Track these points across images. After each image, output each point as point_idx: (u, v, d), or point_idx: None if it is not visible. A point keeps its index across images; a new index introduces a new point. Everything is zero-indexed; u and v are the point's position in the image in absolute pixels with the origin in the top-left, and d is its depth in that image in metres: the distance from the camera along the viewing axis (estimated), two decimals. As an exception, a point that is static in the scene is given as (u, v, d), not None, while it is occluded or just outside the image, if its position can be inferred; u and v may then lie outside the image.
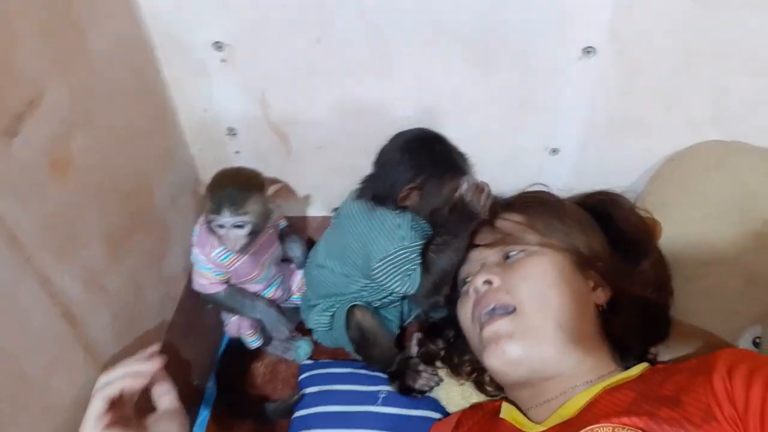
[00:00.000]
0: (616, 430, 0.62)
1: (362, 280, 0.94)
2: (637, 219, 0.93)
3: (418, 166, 0.88)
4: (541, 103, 0.93)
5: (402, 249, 0.88)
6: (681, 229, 0.91)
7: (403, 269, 0.88)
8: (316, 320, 1.02)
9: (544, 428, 0.73)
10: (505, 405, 0.83)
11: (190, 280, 1.03)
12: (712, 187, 0.90)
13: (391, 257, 0.88)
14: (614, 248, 0.88)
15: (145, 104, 0.91)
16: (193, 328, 1.06)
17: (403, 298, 0.97)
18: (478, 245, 0.88)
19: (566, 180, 1.01)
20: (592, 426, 0.64)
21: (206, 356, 1.13)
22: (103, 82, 0.80)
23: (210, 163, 1.08)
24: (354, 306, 0.96)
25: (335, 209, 0.99)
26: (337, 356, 1.09)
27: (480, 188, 0.86)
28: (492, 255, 0.85)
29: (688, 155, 0.95)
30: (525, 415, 0.78)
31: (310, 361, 1.09)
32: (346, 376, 1.03)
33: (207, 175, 1.08)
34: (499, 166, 0.99)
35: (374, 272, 0.89)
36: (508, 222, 0.88)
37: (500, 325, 0.76)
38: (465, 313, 0.84)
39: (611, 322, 0.82)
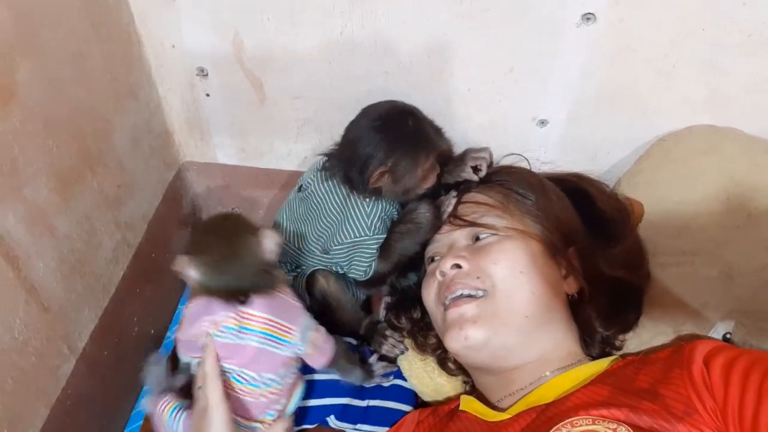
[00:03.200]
0: (596, 422, 0.61)
1: (320, 255, 0.91)
2: (615, 201, 0.90)
3: (389, 147, 0.80)
4: (532, 69, 0.87)
5: (365, 238, 0.86)
6: (664, 213, 0.87)
7: (360, 256, 0.87)
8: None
9: (509, 416, 0.71)
10: (464, 398, 0.81)
11: (149, 229, 0.99)
12: (700, 173, 0.86)
13: (353, 243, 0.86)
14: (590, 228, 0.85)
15: (105, 34, 0.84)
16: (152, 277, 1.02)
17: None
18: (446, 224, 0.84)
19: (552, 153, 0.96)
20: (571, 418, 0.63)
21: (165, 306, 1.09)
22: (54, 6, 0.73)
23: (178, 105, 1.02)
24: (316, 271, 0.93)
25: (300, 187, 0.93)
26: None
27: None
28: (461, 236, 0.81)
29: (680, 138, 0.90)
30: (492, 406, 0.76)
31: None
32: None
33: (175, 118, 1.02)
34: (481, 132, 0.94)
35: (333, 251, 0.88)
36: (481, 201, 0.84)
37: (466, 309, 0.74)
38: (429, 293, 0.81)
39: (581, 310, 0.79)
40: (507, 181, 0.86)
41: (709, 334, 0.81)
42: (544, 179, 0.89)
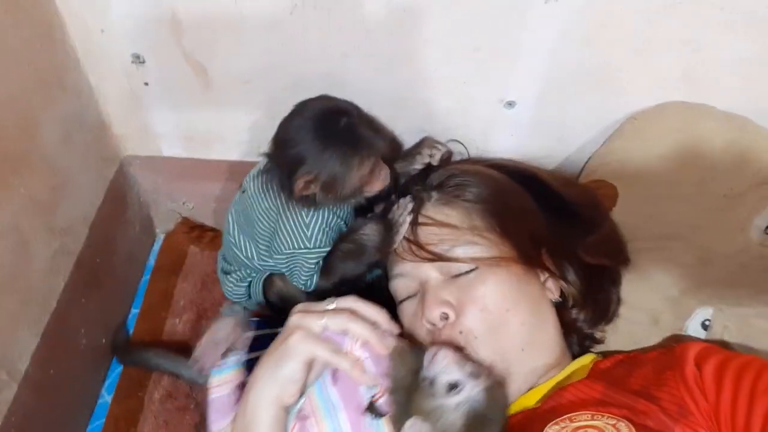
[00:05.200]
0: (595, 417, 0.60)
1: (270, 261, 0.85)
2: (581, 189, 0.86)
3: (316, 151, 0.72)
4: (499, 48, 0.81)
5: (303, 251, 0.79)
6: (637, 195, 0.84)
7: (300, 269, 0.80)
8: (232, 291, 0.92)
9: None
10: None
11: (91, 232, 0.90)
12: (673, 153, 0.83)
13: (291, 256, 0.80)
14: (561, 221, 0.81)
15: (22, 18, 0.74)
16: (98, 283, 0.94)
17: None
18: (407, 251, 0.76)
19: (519, 136, 0.91)
20: (570, 414, 0.61)
21: (116, 312, 1.01)
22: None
23: (114, 95, 0.92)
24: (272, 274, 0.87)
25: (242, 189, 0.86)
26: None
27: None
28: (432, 270, 0.74)
29: (652, 115, 0.86)
30: None
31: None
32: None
33: (112, 110, 0.93)
34: (446, 116, 0.89)
35: (274, 259, 0.82)
36: (443, 222, 0.75)
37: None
38: (417, 333, 0.74)
39: (565, 313, 0.76)
40: (464, 191, 0.78)
41: (687, 322, 0.79)
42: (498, 176, 0.82)
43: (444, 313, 0.69)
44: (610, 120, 0.89)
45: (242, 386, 0.73)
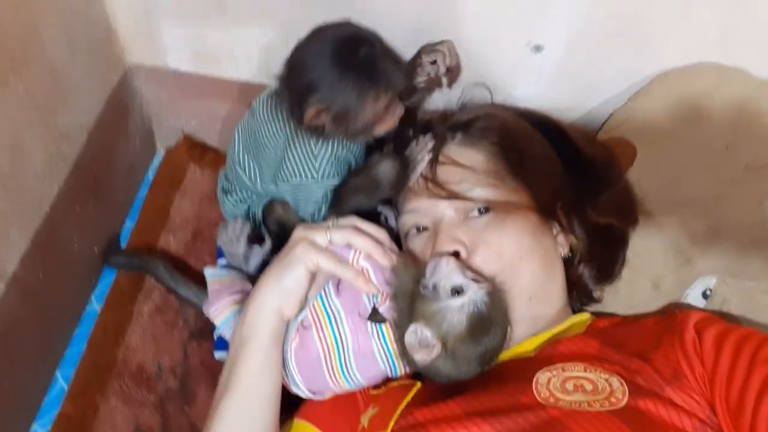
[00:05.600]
0: (588, 369, 0.60)
1: (273, 187, 0.82)
2: (600, 146, 0.83)
3: (332, 81, 0.68)
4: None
5: (311, 182, 0.76)
6: (657, 157, 0.81)
7: (306, 200, 0.78)
8: (231, 211, 0.90)
9: (497, 362, 0.68)
10: None
11: (90, 140, 0.87)
12: (701, 118, 0.80)
13: (297, 186, 0.77)
14: (574, 175, 0.79)
15: None
16: (94, 193, 0.92)
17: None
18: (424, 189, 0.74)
19: (543, 83, 0.87)
20: (563, 363, 0.61)
21: (110, 223, 1.00)
22: None
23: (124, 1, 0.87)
24: (272, 200, 0.85)
25: (252, 111, 0.82)
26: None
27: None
28: (448, 208, 0.72)
29: (683, 75, 0.82)
30: None
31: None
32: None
33: (119, 12, 0.89)
34: (468, 56, 0.84)
35: (279, 187, 0.80)
36: (464, 164, 0.73)
37: None
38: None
39: (572, 268, 0.76)
40: (490, 133, 0.76)
41: (689, 290, 0.78)
42: (523, 124, 0.80)
43: (456, 251, 0.68)
44: (639, 76, 0.85)
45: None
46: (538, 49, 0.83)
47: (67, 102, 0.82)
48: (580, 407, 0.55)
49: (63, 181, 0.84)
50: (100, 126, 0.91)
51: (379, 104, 0.70)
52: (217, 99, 1.01)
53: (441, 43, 0.79)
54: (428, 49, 0.79)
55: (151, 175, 1.08)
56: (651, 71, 0.84)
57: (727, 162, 0.78)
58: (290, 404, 0.72)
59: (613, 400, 0.56)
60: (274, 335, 0.64)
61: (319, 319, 0.66)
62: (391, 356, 0.65)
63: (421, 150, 0.76)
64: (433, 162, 0.75)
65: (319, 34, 0.71)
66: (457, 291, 0.62)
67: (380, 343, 0.65)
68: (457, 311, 0.61)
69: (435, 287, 0.63)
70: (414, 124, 0.82)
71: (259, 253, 0.82)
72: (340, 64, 0.68)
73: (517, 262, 0.69)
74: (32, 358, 0.83)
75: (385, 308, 0.64)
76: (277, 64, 0.86)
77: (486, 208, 0.71)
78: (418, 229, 0.75)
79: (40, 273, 0.81)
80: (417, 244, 0.74)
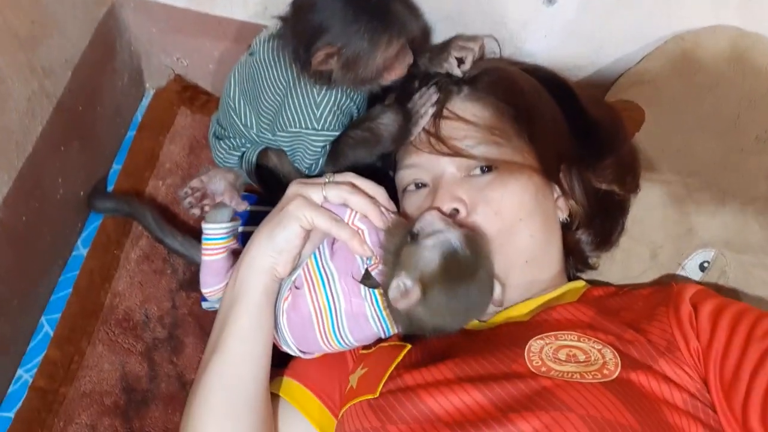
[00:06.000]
0: (581, 339, 0.59)
1: (269, 135, 0.79)
2: (607, 109, 0.80)
3: (343, 22, 0.65)
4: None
5: (310, 132, 0.73)
6: (665, 123, 0.78)
7: (304, 150, 0.75)
8: (223, 158, 0.86)
9: (489, 326, 0.68)
10: None
11: (74, 77, 0.83)
12: (715, 84, 0.77)
13: (295, 135, 0.74)
14: (578, 137, 0.76)
15: None
16: (79, 133, 0.88)
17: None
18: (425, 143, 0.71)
19: (553, 39, 0.83)
20: (556, 332, 0.60)
21: (97, 165, 0.96)
22: None
23: None
24: (267, 148, 0.81)
25: (250, 51, 0.78)
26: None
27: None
28: (450, 164, 0.69)
29: (701, 38, 0.79)
30: None
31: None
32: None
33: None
34: (477, 5, 0.80)
35: (277, 135, 0.76)
36: (468, 119, 0.70)
37: None
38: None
39: (570, 234, 0.74)
40: (497, 89, 0.73)
41: (686, 261, 0.77)
42: (532, 81, 0.76)
43: (455, 208, 0.66)
44: (654, 36, 0.81)
45: (236, 254, 0.73)
46: (550, 2, 0.79)
47: (49, 35, 0.78)
48: (572, 378, 0.55)
49: (46, 120, 0.80)
50: (85, 62, 0.86)
51: (390, 50, 0.68)
52: (211, 38, 0.96)
53: (474, 39, 0.75)
54: (460, 44, 0.75)
55: (139, 116, 1.04)
56: (666, 32, 0.80)
57: (737, 131, 0.75)
58: (279, 358, 0.72)
59: (605, 371, 0.55)
60: (266, 293, 0.63)
61: (312, 280, 0.65)
62: (384, 319, 0.64)
63: (425, 103, 0.73)
64: (437, 116, 0.72)
65: None
66: (433, 234, 0.61)
67: (373, 307, 0.63)
68: (429, 248, 0.59)
69: (416, 235, 0.62)
70: (418, 75, 0.78)
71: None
72: (352, 4, 0.65)
73: (516, 223, 0.67)
74: (17, 302, 0.81)
75: (377, 272, 0.63)
76: (274, 4, 0.82)
77: (488, 167, 0.69)
78: (417, 185, 0.73)
79: (23, 216, 0.79)
80: (415, 200, 0.72)
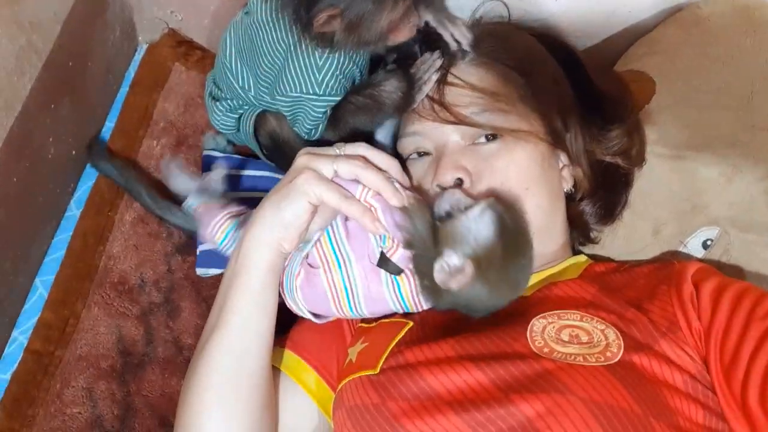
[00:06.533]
0: (584, 318, 0.59)
1: (268, 98, 0.76)
2: (614, 79, 0.78)
3: None
4: None
5: (311, 96, 0.71)
6: (676, 96, 0.76)
7: (304, 115, 0.72)
8: (220, 120, 0.84)
9: None
10: None
11: (64, 31, 0.79)
12: (730, 57, 0.74)
13: (296, 100, 0.71)
14: (583, 107, 0.75)
15: None
16: (70, 90, 0.85)
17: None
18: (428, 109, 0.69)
19: (563, 2, 0.80)
20: (558, 311, 0.60)
21: (89, 123, 0.93)
22: None
23: None
24: (266, 111, 0.79)
25: (246, 9, 0.74)
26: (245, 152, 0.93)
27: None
28: (454, 132, 0.68)
29: (718, 7, 0.76)
30: None
31: (216, 153, 0.93)
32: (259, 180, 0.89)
33: None
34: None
35: (276, 99, 0.74)
36: (475, 84, 0.68)
37: None
38: (415, 189, 0.69)
39: (574, 205, 0.73)
40: (503, 54, 0.70)
41: (689, 239, 0.76)
42: (538, 47, 0.74)
43: (459, 178, 0.65)
44: (669, 3, 0.78)
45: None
46: (564, -35, 0.75)
47: (35, -13, 0.73)
48: (575, 361, 0.55)
49: (35, 77, 0.76)
50: (74, 15, 0.82)
51: (396, 11, 0.65)
52: (204, -8, 0.92)
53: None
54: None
55: (132, 72, 1.00)
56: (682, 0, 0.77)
57: (751, 107, 0.73)
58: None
59: (608, 354, 0.55)
60: (271, 270, 0.61)
61: (327, 261, 0.63)
62: (404, 301, 0.63)
63: (429, 69, 0.71)
64: (441, 82, 0.70)
65: None
66: (469, 207, 0.60)
67: (394, 292, 0.62)
68: (477, 221, 0.57)
69: (449, 213, 0.60)
70: (421, 39, 0.75)
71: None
72: None
73: (523, 192, 0.66)
74: (9, 264, 0.80)
75: (399, 257, 0.61)
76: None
77: (493, 135, 0.67)
78: (419, 154, 0.71)
79: (14, 177, 0.76)
80: (417, 169, 0.71)
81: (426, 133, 0.70)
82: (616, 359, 0.55)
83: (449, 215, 0.59)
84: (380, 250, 0.61)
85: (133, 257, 0.88)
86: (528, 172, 0.67)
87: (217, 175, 0.80)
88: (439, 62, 0.71)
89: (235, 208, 0.75)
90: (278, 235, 0.60)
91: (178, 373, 0.84)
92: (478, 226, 0.57)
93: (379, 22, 0.64)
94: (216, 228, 0.72)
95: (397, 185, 0.62)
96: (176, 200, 0.83)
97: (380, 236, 0.62)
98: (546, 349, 0.56)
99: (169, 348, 0.85)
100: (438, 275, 0.57)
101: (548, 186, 0.69)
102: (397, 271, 0.61)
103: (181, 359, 0.85)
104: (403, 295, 0.62)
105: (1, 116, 0.72)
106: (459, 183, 0.65)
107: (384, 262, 0.61)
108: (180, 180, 0.80)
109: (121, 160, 0.91)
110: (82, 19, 0.84)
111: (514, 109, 0.68)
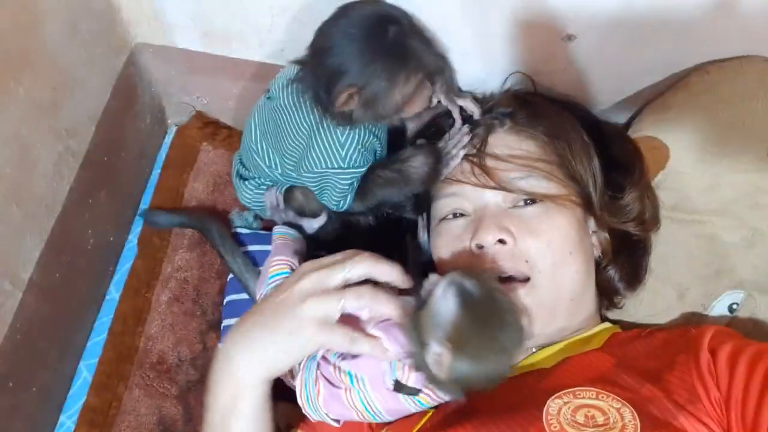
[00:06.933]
0: (600, 396, 0.58)
1: (294, 175, 0.79)
2: (629, 145, 0.79)
3: (361, 62, 0.66)
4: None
5: (337, 170, 0.74)
6: (692, 162, 0.76)
7: (331, 188, 0.75)
8: (249, 198, 0.87)
9: (512, 374, 0.66)
10: None
11: (98, 130, 0.84)
12: (743, 121, 0.74)
13: (323, 175, 0.75)
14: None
15: None
16: (105, 183, 0.90)
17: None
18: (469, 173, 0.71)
19: (573, 72, 0.81)
20: (574, 388, 0.59)
21: (125, 208, 0.98)
22: None
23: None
24: (293, 187, 0.83)
25: (269, 95, 0.78)
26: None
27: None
28: (494, 196, 0.69)
29: (727, 73, 0.75)
30: None
31: (245, 230, 0.96)
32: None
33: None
34: (502, 43, 0.78)
35: (303, 176, 0.77)
36: (515, 154, 0.70)
37: (516, 297, 0.65)
38: (453, 259, 0.70)
39: (602, 271, 0.74)
40: (539, 122, 0.72)
41: (715, 302, 0.75)
42: (568, 114, 0.76)
43: (501, 239, 0.66)
44: (679, 66, 0.78)
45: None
46: (570, 38, 0.77)
47: (71, 96, 0.79)
48: None
49: (73, 178, 0.82)
50: (108, 113, 0.88)
51: (408, 86, 0.69)
52: (229, 78, 0.97)
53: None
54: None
55: (163, 154, 1.05)
56: (691, 62, 0.78)
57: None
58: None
59: None
60: (263, 406, 0.60)
61: (345, 384, 0.63)
62: (425, 406, 0.63)
63: (457, 144, 0.74)
64: (481, 148, 0.72)
65: (345, 13, 0.68)
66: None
67: (415, 404, 0.62)
68: (441, 300, 0.56)
69: (423, 301, 0.59)
70: (448, 114, 0.78)
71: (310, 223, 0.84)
72: (370, 45, 0.66)
73: (567, 256, 0.67)
74: (55, 353, 0.85)
75: (414, 380, 0.60)
76: (289, 46, 0.82)
77: (532, 199, 0.69)
78: (455, 215, 0.72)
79: (57, 273, 0.81)
80: (452, 228, 0.72)
81: (465, 194, 0.71)
82: None
83: (423, 303, 0.59)
84: (394, 378, 0.61)
85: (170, 337, 0.92)
86: (569, 237, 0.68)
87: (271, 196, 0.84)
88: (467, 138, 0.73)
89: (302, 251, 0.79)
90: (273, 368, 0.60)
91: (216, 449, 0.87)
92: (441, 305, 0.56)
93: (394, 97, 0.69)
94: (277, 263, 0.75)
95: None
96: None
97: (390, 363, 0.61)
98: None
99: (208, 425, 0.88)
100: (433, 368, 0.56)
101: (584, 251, 0.70)
102: (414, 392, 0.61)
103: (219, 435, 0.87)
104: (424, 403, 0.63)
105: (42, 221, 0.77)
106: (501, 243, 0.66)
107: (400, 387, 0.61)
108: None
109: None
110: (114, 115, 0.90)
111: (551, 175, 0.70)
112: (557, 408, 0.59)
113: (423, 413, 0.66)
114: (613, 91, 0.84)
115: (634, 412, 0.56)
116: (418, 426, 0.64)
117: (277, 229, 0.83)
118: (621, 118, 0.86)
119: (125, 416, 0.86)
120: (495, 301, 0.58)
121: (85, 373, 0.89)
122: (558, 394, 0.60)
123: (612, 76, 0.82)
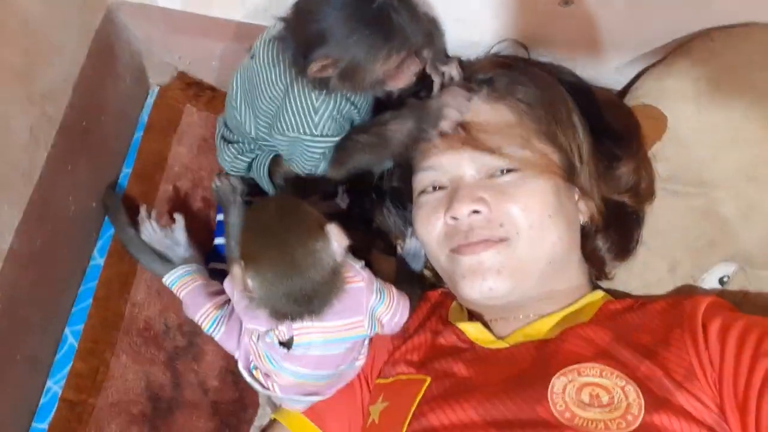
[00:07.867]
0: (604, 373, 0.58)
1: (269, 140, 0.78)
2: (625, 113, 0.77)
3: (341, 33, 0.62)
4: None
5: (307, 137, 0.71)
6: (691, 132, 0.74)
7: (301, 157, 0.74)
8: (231, 162, 0.86)
9: (506, 345, 0.67)
10: (455, 308, 0.75)
11: (75, 93, 0.81)
12: (746, 91, 0.72)
13: (293, 140, 0.72)
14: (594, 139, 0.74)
15: None
16: (85, 148, 0.87)
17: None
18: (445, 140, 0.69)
19: (570, 38, 0.78)
20: (578, 365, 0.60)
21: (106, 174, 0.95)
22: None
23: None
24: (278, 155, 0.80)
25: (252, 54, 0.75)
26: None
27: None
28: (470, 166, 0.68)
29: (732, 39, 0.73)
30: (484, 323, 0.71)
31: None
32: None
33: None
34: (497, 8, 0.75)
35: (275, 139, 0.75)
36: (490, 120, 0.68)
37: (486, 257, 0.65)
38: (429, 233, 0.70)
39: (589, 240, 0.73)
40: (517, 89, 0.70)
41: (705, 275, 0.75)
42: (551, 81, 0.73)
43: (475, 210, 0.65)
44: (681, 32, 0.76)
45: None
46: (566, 3, 0.73)
47: (46, 59, 0.75)
48: (596, 428, 0.54)
49: (50, 144, 0.79)
50: (85, 75, 0.84)
51: (390, 63, 0.65)
52: (211, 38, 0.92)
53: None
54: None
55: (145, 115, 1.01)
56: (694, 26, 0.75)
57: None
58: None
59: (629, 418, 0.55)
60: None
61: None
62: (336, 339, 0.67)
63: (447, 104, 0.70)
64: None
65: None
66: None
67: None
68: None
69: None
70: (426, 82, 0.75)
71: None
72: (353, 16, 0.62)
73: (546, 219, 0.66)
74: (40, 317, 0.83)
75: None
76: (271, 4, 0.78)
77: (509, 169, 0.67)
78: (434, 188, 0.72)
79: (37, 241, 0.79)
80: (431, 202, 0.71)
81: (441, 167, 0.70)
82: (637, 423, 0.54)
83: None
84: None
85: (156, 303, 0.91)
86: (548, 202, 0.67)
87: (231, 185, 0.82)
88: (461, 98, 0.70)
89: (217, 297, 0.79)
90: None
91: (205, 415, 0.88)
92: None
93: (374, 71, 0.66)
94: (203, 317, 0.77)
95: None
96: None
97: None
98: (567, 414, 0.56)
99: (196, 391, 0.88)
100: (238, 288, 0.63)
101: (567, 218, 0.69)
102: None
103: (207, 401, 0.88)
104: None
105: (20, 189, 0.75)
106: (476, 213, 0.66)
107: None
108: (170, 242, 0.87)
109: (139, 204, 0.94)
110: (92, 76, 0.85)
111: (529, 143, 0.68)
112: (562, 386, 0.59)
113: (420, 383, 0.65)
114: (610, 59, 0.81)
115: (638, 390, 0.56)
116: (418, 398, 0.64)
117: (166, 280, 0.83)
118: (618, 85, 0.84)
119: (113, 381, 0.86)
120: (284, 217, 0.62)
121: (71, 339, 0.88)
122: (562, 371, 0.60)
123: (610, 42, 0.79)
